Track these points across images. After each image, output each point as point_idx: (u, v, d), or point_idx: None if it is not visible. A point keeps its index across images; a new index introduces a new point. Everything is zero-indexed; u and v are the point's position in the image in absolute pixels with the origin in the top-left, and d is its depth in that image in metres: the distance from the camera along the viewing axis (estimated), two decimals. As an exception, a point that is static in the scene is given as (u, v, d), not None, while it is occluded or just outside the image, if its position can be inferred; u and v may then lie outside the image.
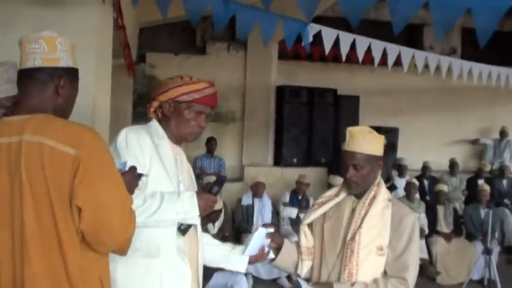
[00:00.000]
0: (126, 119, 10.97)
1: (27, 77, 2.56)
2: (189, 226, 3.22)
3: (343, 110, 12.91)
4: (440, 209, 10.43)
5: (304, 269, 3.74)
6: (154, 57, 12.39)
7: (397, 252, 3.47)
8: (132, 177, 2.85)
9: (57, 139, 2.36)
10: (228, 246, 3.73)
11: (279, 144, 12.45)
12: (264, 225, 3.71)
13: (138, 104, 11.83)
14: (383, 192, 3.60)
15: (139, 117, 11.21)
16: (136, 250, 2.98)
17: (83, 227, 2.37)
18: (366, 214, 3.53)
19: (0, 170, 2.42)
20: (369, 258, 3.47)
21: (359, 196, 3.62)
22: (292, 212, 10.16)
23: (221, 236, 8.23)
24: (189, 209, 3.12)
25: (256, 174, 10.72)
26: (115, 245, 2.53)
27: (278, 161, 12.41)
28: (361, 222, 3.51)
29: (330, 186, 10.27)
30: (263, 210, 9.93)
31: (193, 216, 3.16)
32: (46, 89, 2.55)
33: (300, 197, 10.41)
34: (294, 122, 12.36)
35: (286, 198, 10.40)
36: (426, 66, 9.18)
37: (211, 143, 11.62)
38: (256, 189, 10.00)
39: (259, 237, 3.62)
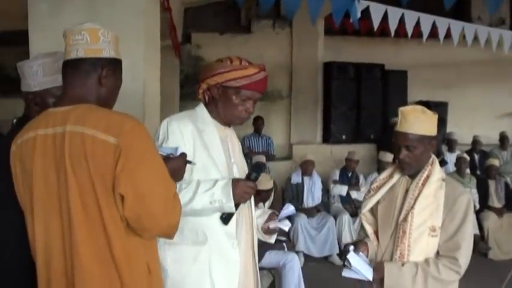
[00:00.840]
0: (174, 100, 11.02)
1: (70, 67, 2.60)
2: (230, 215, 3.20)
3: (391, 85, 12.77)
4: (491, 184, 10.28)
5: None
6: (200, 37, 12.39)
7: (449, 232, 3.45)
8: (182, 164, 2.88)
9: (99, 128, 2.38)
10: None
11: (327, 121, 12.36)
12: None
13: (185, 84, 11.88)
14: (437, 172, 3.57)
15: (187, 98, 11.25)
16: (185, 238, 3.02)
17: (126, 214, 2.40)
18: (419, 194, 3.51)
19: (47, 160, 2.47)
20: (421, 239, 3.46)
21: (413, 176, 3.60)
22: (342, 189, 10.12)
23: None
24: (224, 198, 3.10)
25: (305, 152, 10.66)
26: (159, 231, 2.55)
27: (327, 138, 12.32)
28: (414, 203, 3.50)
29: (379, 162, 10.24)
30: (313, 188, 9.89)
31: (229, 206, 3.12)
32: (89, 79, 2.58)
33: (349, 174, 10.34)
34: (341, 99, 12.24)
35: (336, 175, 10.33)
36: (475, 38, 9.03)
37: (258, 122, 11.59)
38: (306, 168, 9.96)
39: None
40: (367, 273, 3.45)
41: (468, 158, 10.81)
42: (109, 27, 2.64)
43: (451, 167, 11.16)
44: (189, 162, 2.96)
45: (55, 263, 2.47)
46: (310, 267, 8.71)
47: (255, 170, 3.25)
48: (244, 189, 3.14)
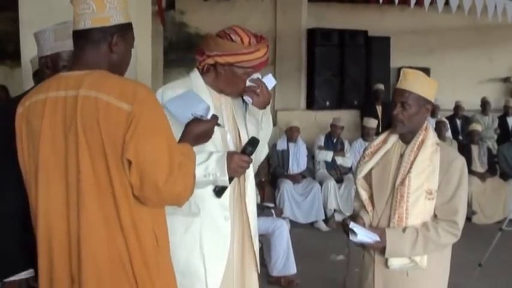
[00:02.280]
0: (158, 68, 10.92)
1: (80, 37, 2.58)
2: (223, 188, 3.17)
3: (374, 51, 12.78)
4: (474, 149, 10.39)
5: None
6: (184, 4, 12.25)
7: (446, 196, 3.49)
8: (211, 127, 2.89)
9: (113, 95, 2.37)
10: None
11: (311, 87, 12.36)
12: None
13: (169, 51, 11.81)
14: (431, 137, 3.59)
15: (171, 65, 11.20)
16: (177, 208, 3.00)
17: (131, 180, 2.39)
18: (415, 159, 3.53)
19: (56, 122, 2.45)
20: (418, 202, 3.49)
21: (407, 141, 3.62)
22: (328, 155, 10.16)
23: (257, 181, 8.28)
24: (218, 171, 3.07)
25: (290, 118, 10.69)
26: (160, 201, 2.52)
27: (311, 104, 12.32)
28: (411, 167, 3.52)
29: (364, 128, 10.30)
30: (298, 154, 9.94)
31: (223, 179, 3.09)
32: (99, 48, 2.56)
33: (334, 140, 10.37)
34: (325, 65, 12.22)
35: (321, 141, 10.36)
36: (459, 5, 9.02)
37: (242, 89, 11.47)
38: (291, 134, 9.99)
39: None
40: (373, 236, 3.48)
41: (447, 121, 10.90)
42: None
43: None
44: (219, 125, 2.97)
45: (58, 226, 2.46)
46: (296, 233, 8.74)
47: (250, 144, 3.19)
48: (239, 164, 3.10)
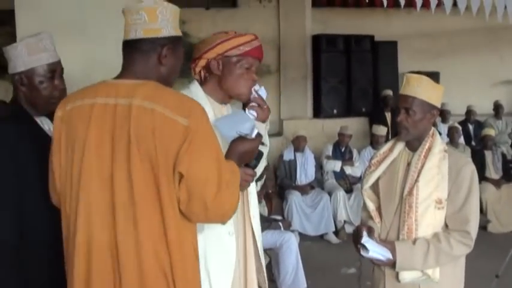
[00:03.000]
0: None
1: (130, 47, 2.63)
2: None
3: (381, 56, 12.75)
4: (488, 155, 10.33)
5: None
6: (185, 13, 12.11)
7: (457, 205, 3.47)
8: (256, 146, 2.93)
9: (169, 107, 2.42)
10: None
11: (317, 95, 12.32)
12: None
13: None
14: (438, 144, 3.57)
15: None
16: None
17: (180, 194, 2.44)
18: (422, 167, 3.51)
19: (103, 130, 2.49)
20: (427, 212, 3.46)
21: (414, 149, 3.60)
22: (336, 164, 10.15)
23: (264, 193, 8.28)
24: None
25: (296, 127, 10.67)
26: (206, 217, 2.57)
27: (318, 113, 12.29)
28: (418, 176, 3.50)
29: (373, 136, 10.28)
30: (306, 164, 9.93)
31: None
32: (149, 59, 2.62)
33: (343, 149, 10.38)
34: (331, 72, 12.18)
35: (329, 151, 10.37)
36: (467, 7, 8.99)
37: (247, 99, 11.45)
38: (298, 144, 9.99)
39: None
40: (386, 253, 3.45)
41: (460, 127, 10.84)
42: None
43: (445, 138, 11.17)
44: (263, 144, 2.99)
45: (100, 237, 2.49)
46: (305, 246, 8.75)
47: (255, 157, 3.20)
48: (243, 177, 3.02)
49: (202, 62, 3.25)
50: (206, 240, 3.13)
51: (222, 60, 3.19)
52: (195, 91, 3.26)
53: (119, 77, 2.64)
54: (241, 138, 2.90)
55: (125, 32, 2.64)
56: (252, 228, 3.39)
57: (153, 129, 2.39)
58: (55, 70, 3.18)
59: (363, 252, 3.45)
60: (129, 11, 2.62)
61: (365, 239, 3.43)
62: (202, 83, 3.29)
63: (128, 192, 2.44)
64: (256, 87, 3.28)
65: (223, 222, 2.73)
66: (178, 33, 2.71)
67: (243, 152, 2.86)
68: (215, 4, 12.26)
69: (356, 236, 3.55)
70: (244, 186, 3.13)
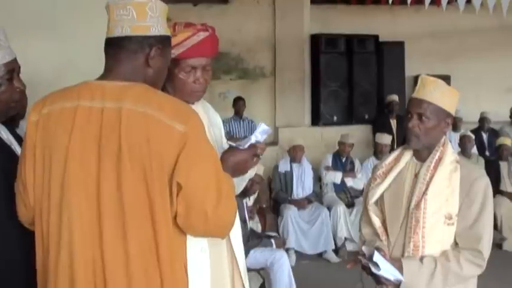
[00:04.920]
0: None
1: (115, 45, 2.59)
2: None
3: (387, 58, 12.76)
4: (503, 166, 10.30)
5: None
6: (171, 10, 12.13)
7: (468, 221, 3.44)
8: (248, 157, 2.93)
9: (164, 112, 2.41)
10: None
11: (316, 101, 12.33)
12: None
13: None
14: (450, 154, 3.55)
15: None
16: None
17: (177, 207, 2.43)
18: (431, 178, 3.49)
19: (88, 135, 2.45)
20: (436, 228, 3.45)
21: (423, 159, 3.57)
22: (336, 176, 10.12)
23: (258, 208, 8.24)
24: None
25: (293, 136, 10.68)
26: (206, 230, 2.57)
27: (316, 120, 12.30)
28: (426, 188, 3.48)
29: (376, 145, 10.27)
30: (303, 176, 9.90)
31: None
32: (136, 59, 2.58)
33: (343, 160, 10.36)
34: (331, 75, 12.20)
35: (328, 161, 10.33)
36: (482, 3, 8.99)
37: (239, 104, 11.52)
38: (294, 154, 9.96)
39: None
40: (397, 275, 3.41)
41: (473, 136, 10.82)
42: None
43: (456, 147, 11.16)
44: (258, 156, 2.96)
45: (84, 253, 2.45)
46: (302, 265, 8.75)
47: None
48: None
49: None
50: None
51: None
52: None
53: (103, 77, 2.59)
54: (231, 149, 2.89)
55: (109, 28, 2.61)
56: (232, 248, 3.34)
57: (147, 135, 2.37)
58: (13, 69, 2.98)
59: (374, 269, 3.42)
60: (115, 5, 2.57)
61: (377, 257, 3.40)
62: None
63: (116, 204, 2.40)
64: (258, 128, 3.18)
65: (223, 237, 2.72)
66: (168, 32, 2.68)
67: (234, 163, 2.86)
68: (204, 0, 12.24)
69: (363, 256, 3.52)
70: None
